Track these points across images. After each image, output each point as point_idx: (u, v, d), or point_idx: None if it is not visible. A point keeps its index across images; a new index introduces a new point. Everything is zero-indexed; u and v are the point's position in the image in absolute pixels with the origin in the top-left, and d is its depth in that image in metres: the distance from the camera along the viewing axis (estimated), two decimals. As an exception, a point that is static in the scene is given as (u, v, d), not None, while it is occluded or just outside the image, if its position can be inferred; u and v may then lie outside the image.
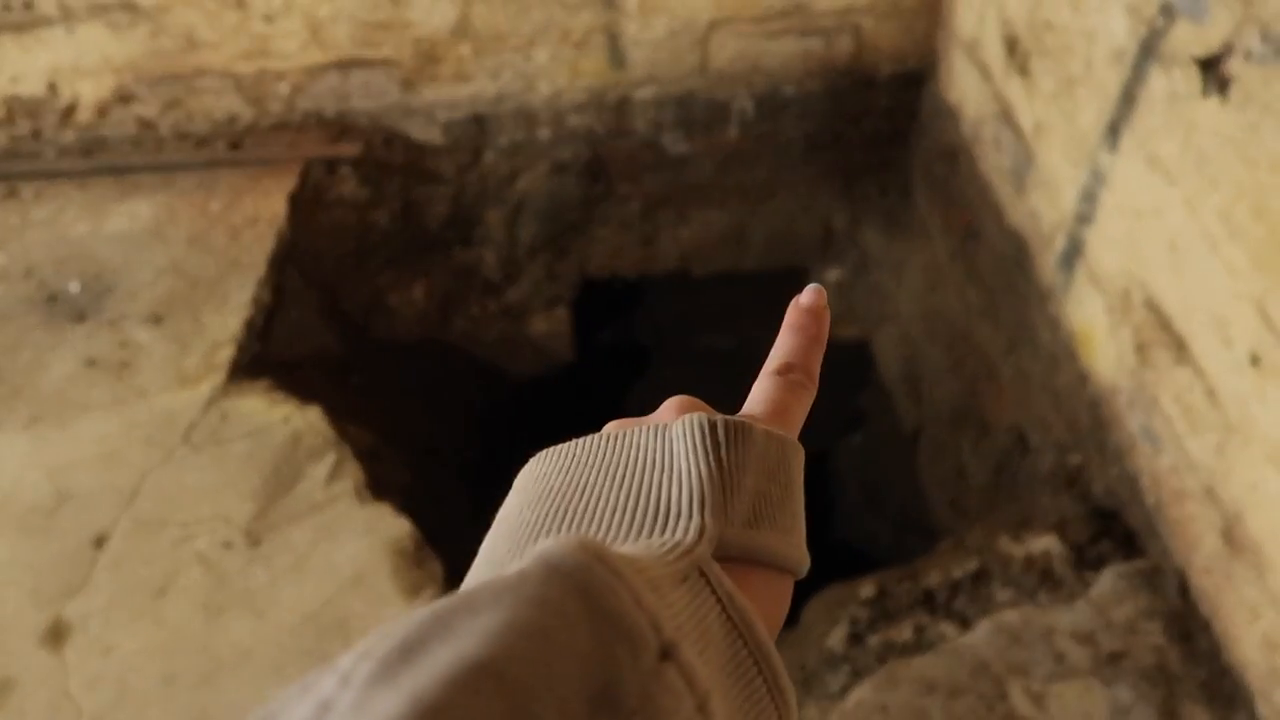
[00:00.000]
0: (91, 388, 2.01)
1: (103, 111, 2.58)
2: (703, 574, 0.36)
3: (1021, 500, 2.11)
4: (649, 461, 0.42)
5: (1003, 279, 2.32)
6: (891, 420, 3.17)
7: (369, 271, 2.60)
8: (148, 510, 1.78)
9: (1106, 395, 1.84)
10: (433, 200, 2.72)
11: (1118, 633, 1.54)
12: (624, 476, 0.41)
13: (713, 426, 0.42)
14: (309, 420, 1.91)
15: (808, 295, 0.53)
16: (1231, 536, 1.48)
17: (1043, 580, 1.68)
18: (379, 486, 1.86)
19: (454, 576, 1.74)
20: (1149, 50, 1.63)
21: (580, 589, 0.29)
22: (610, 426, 0.46)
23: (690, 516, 0.39)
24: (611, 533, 0.39)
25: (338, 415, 1.99)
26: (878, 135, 2.87)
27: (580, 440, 0.44)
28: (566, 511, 0.40)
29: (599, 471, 0.42)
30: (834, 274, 3.08)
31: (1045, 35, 2.02)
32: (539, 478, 0.43)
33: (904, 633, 1.64)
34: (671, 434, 0.42)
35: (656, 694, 0.29)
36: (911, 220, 2.93)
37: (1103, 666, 1.51)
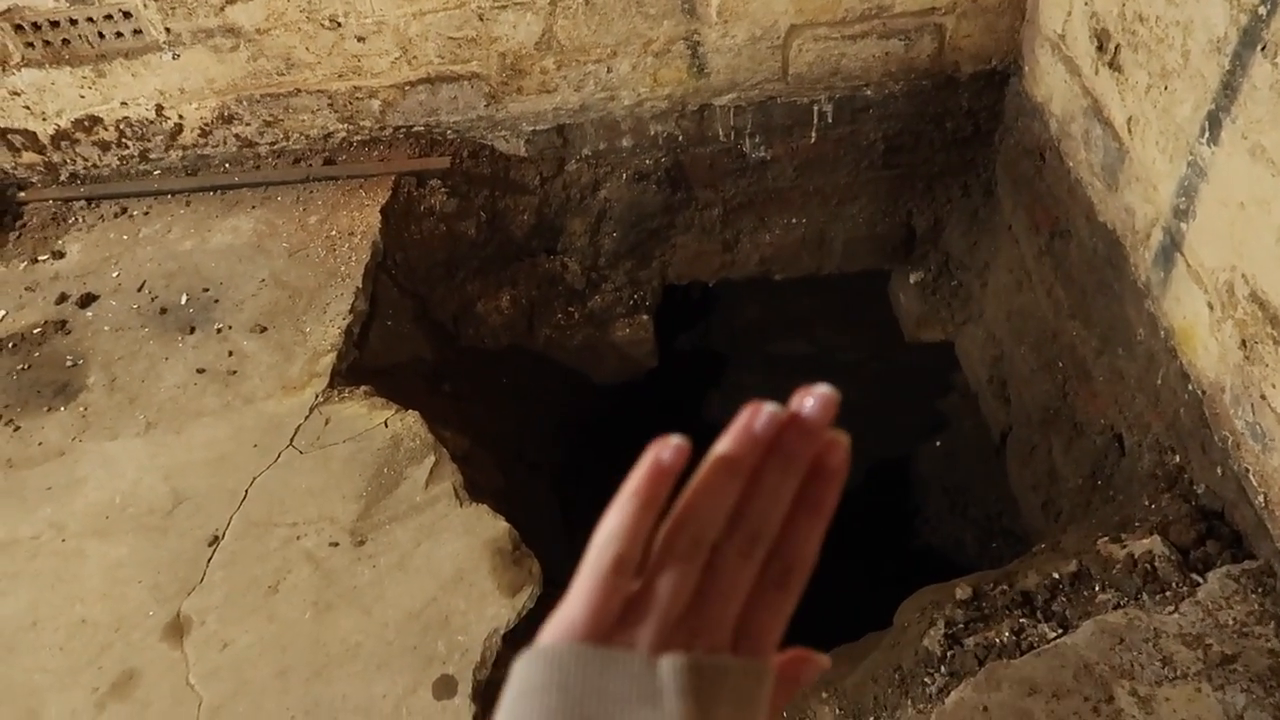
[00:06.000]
0: (202, 395, 2.10)
1: (206, 132, 2.70)
2: None
3: (1119, 502, 2.07)
4: (637, 699, 0.45)
5: (1094, 277, 2.28)
6: (976, 423, 3.13)
7: (458, 281, 2.66)
8: (257, 511, 1.85)
9: (1209, 392, 1.80)
10: (518, 210, 2.78)
11: (1228, 635, 1.51)
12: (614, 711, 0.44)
13: (694, 670, 0.46)
14: (407, 424, 1.97)
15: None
16: (1349, 536, 1.43)
17: (1146, 582, 1.64)
18: (474, 489, 1.91)
19: (548, 577, 1.78)
20: (1251, 39, 1.59)
21: None
22: None
23: None
24: None
25: (432, 420, 2.04)
26: (960, 135, 2.84)
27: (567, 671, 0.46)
28: None
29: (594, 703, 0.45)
30: (916, 276, 3.05)
31: (1137, 28, 1.99)
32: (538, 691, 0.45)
33: (1002, 634, 1.62)
34: (661, 677, 0.45)
35: None
36: (995, 220, 2.89)
37: (1213, 670, 1.47)
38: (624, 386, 3.09)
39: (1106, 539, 1.78)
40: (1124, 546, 1.73)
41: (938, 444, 3.53)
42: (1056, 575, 1.72)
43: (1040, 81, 2.54)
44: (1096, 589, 1.68)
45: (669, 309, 3.18)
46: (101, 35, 2.51)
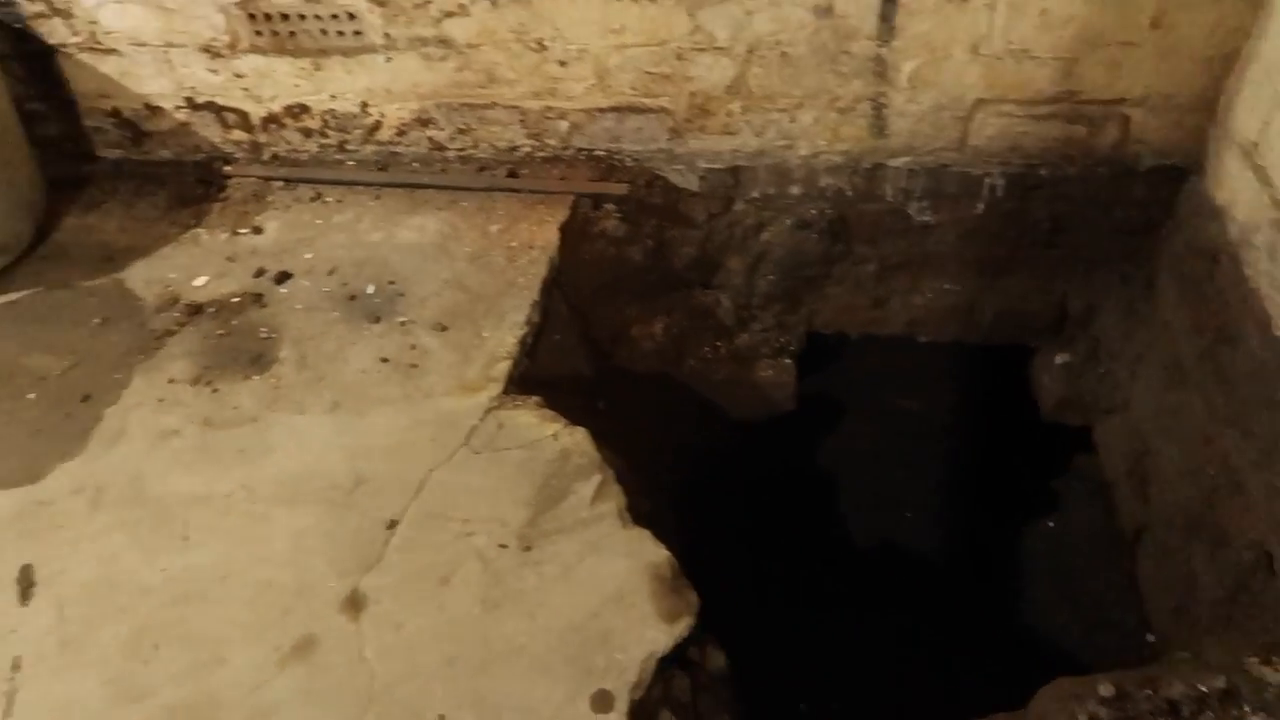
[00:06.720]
0: (385, 383, 2.23)
1: (402, 131, 2.86)
2: None
3: (1265, 621, 2.05)
4: None
5: (1261, 390, 2.26)
6: (1100, 513, 3.10)
7: (619, 303, 2.77)
8: (432, 503, 1.97)
9: (1383, 530, 1.78)
10: (683, 242, 2.88)
11: (1388, 780, 1.50)
12: None
13: None
14: (576, 440, 2.07)
15: None
16: None
17: (1299, 711, 1.64)
18: (633, 513, 1.99)
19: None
20: None
21: None
22: None
23: None
24: None
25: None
26: (1128, 224, 2.84)
27: None
28: None
29: None
30: (1062, 358, 3.05)
31: (1348, 152, 1.98)
32: None
33: (1147, 739, 1.63)
34: None
35: None
36: (1153, 314, 2.87)
37: (1369, 812, 1.46)
38: (753, 425, 3.14)
39: (1256, 659, 1.77)
40: (1276, 670, 1.73)
41: (1050, 525, 3.50)
42: (1204, 689, 1.72)
43: (1223, 185, 2.53)
44: (1246, 709, 1.67)
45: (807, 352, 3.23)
46: (324, 32, 2.68)
